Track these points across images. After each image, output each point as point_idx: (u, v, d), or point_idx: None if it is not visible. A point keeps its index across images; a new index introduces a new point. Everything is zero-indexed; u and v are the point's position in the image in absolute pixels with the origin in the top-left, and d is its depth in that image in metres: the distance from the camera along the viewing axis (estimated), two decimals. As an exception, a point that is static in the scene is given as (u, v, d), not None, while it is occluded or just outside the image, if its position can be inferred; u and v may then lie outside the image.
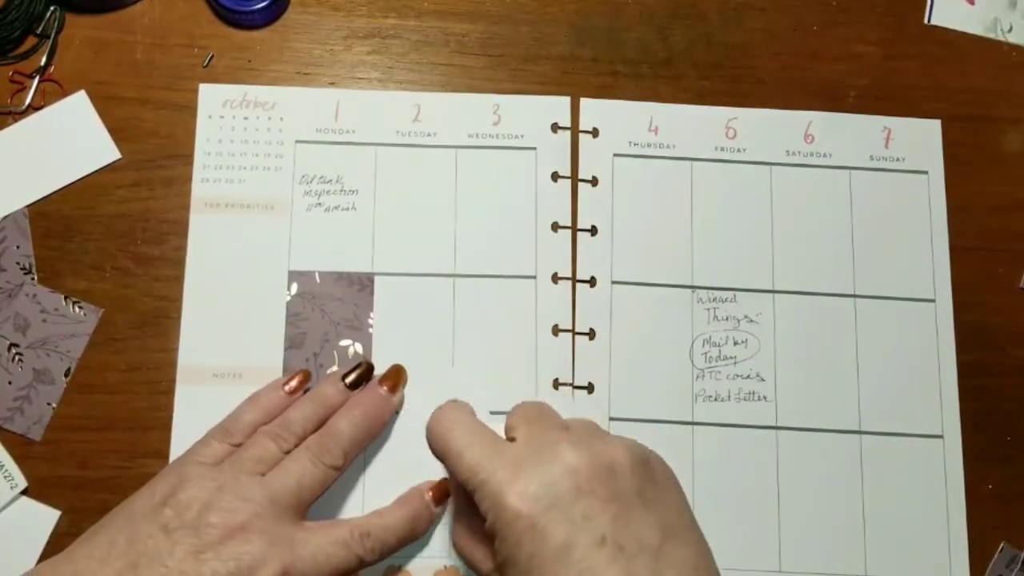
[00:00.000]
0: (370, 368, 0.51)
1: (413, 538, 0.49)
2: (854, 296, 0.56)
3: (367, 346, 0.53)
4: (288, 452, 0.46)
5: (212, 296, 0.53)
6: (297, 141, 0.56)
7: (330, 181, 0.55)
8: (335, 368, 0.53)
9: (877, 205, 0.57)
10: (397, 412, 0.52)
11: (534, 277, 0.55)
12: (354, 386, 0.50)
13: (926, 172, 0.58)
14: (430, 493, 0.50)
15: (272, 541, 0.43)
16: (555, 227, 0.55)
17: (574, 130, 0.57)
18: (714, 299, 0.55)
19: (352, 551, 0.45)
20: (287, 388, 0.50)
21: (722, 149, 0.57)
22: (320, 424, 0.48)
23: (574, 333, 0.54)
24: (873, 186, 0.57)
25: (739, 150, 0.57)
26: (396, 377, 0.52)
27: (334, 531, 0.45)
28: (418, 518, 0.49)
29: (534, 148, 0.56)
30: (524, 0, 0.59)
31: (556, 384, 0.53)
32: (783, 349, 0.55)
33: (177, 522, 0.42)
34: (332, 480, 0.46)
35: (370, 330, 0.53)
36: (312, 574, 0.44)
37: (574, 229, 0.55)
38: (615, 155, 0.57)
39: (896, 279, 0.56)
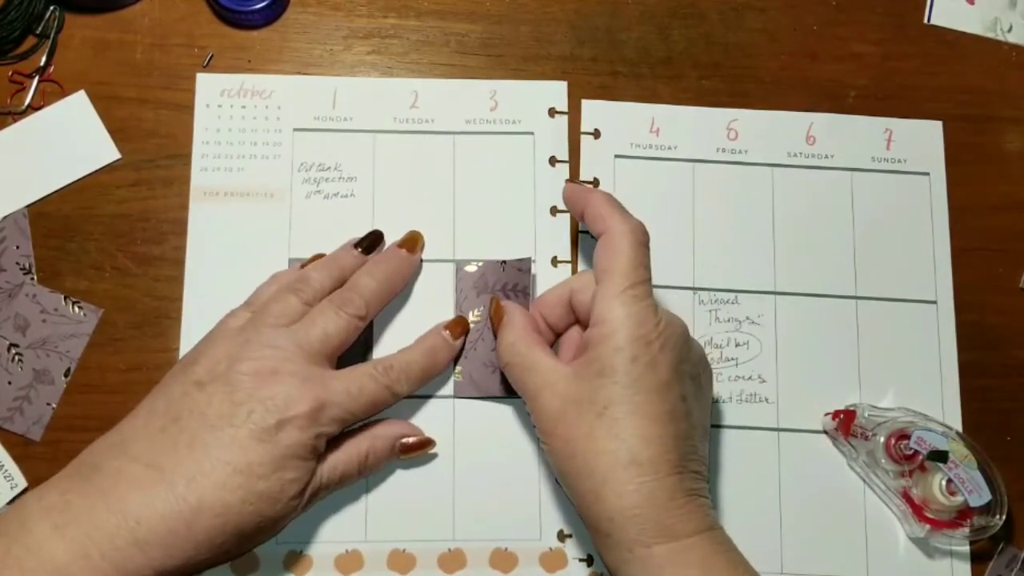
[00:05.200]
0: (380, 235, 0.53)
1: (435, 370, 0.51)
2: (856, 298, 0.56)
3: (367, 332, 0.53)
4: (308, 303, 0.48)
5: (213, 284, 0.53)
6: (295, 129, 0.56)
7: (329, 168, 0.55)
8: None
9: (879, 207, 0.57)
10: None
11: (534, 261, 0.55)
12: (366, 251, 0.52)
13: (927, 174, 0.58)
14: (447, 330, 0.52)
15: (304, 379, 0.45)
16: (554, 211, 0.55)
17: (572, 119, 0.57)
18: (716, 300, 0.55)
19: (380, 383, 0.48)
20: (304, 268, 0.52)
21: (724, 150, 0.57)
22: (336, 281, 0.50)
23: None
24: (875, 188, 0.57)
25: (741, 151, 0.57)
26: (413, 240, 0.53)
27: (359, 368, 0.48)
28: (436, 349, 0.51)
29: (532, 133, 0.56)
30: (524, 0, 0.59)
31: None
32: (784, 351, 0.55)
33: (209, 376, 0.45)
34: (356, 330, 0.49)
35: None
36: (347, 405, 0.46)
37: (574, 230, 0.55)
38: (616, 156, 0.57)
39: (898, 281, 0.56)
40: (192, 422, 0.44)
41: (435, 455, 0.52)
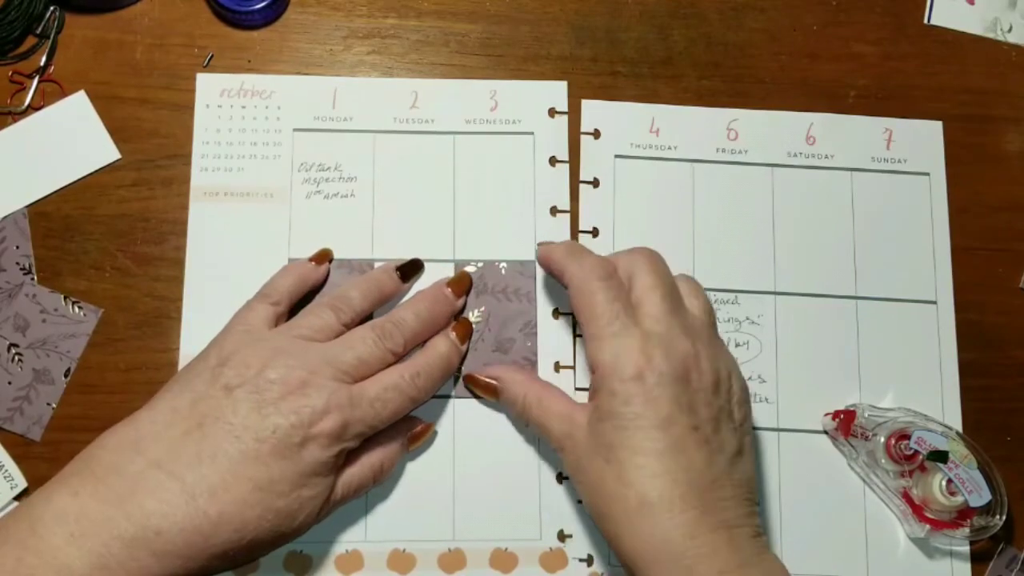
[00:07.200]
0: (421, 264, 0.54)
1: (449, 374, 0.51)
2: (856, 298, 0.56)
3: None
4: (346, 324, 0.49)
5: (212, 284, 0.53)
6: (295, 129, 0.56)
7: (329, 168, 0.55)
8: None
9: (879, 207, 0.57)
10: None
11: (534, 261, 0.55)
12: (405, 276, 0.53)
13: (928, 174, 0.58)
14: (453, 334, 0.52)
15: (331, 395, 0.45)
16: (554, 211, 0.55)
17: (572, 119, 0.57)
18: (716, 300, 0.55)
19: (406, 394, 0.48)
20: (312, 262, 0.53)
21: (724, 150, 0.57)
22: (375, 304, 0.51)
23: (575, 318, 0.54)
24: (875, 187, 0.57)
25: (741, 151, 0.57)
26: (462, 282, 0.53)
27: (386, 377, 0.47)
28: (450, 354, 0.51)
29: (532, 133, 0.56)
30: (524, 0, 0.59)
31: (557, 367, 0.53)
32: (785, 351, 0.55)
33: (237, 380, 0.44)
34: (387, 364, 0.48)
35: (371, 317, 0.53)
36: (371, 421, 0.46)
37: (574, 231, 0.55)
38: (616, 156, 0.57)
39: (898, 281, 0.56)
40: (216, 430, 0.43)
41: (436, 453, 0.52)
